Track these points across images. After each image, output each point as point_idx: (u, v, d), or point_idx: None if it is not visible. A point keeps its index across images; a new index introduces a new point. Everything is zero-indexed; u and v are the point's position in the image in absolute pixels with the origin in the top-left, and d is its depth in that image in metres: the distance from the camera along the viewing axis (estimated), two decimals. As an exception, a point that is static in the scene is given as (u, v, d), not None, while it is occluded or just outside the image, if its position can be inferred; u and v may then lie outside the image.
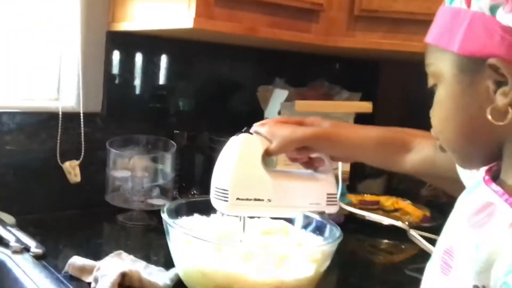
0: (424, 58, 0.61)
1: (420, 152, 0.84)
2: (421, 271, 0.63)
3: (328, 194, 0.87)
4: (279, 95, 1.44)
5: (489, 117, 0.53)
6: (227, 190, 0.81)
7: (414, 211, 1.47)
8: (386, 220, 1.14)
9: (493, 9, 0.51)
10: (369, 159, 0.91)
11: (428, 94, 0.61)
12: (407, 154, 0.85)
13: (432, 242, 1.25)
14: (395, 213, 1.47)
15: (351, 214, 1.45)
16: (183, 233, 0.86)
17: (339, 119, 1.42)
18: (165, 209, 0.91)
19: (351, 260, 1.22)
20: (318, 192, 0.87)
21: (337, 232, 0.91)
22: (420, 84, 0.62)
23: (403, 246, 1.35)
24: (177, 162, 1.35)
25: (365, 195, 1.59)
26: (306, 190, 0.86)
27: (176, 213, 0.97)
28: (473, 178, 0.66)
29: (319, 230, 0.98)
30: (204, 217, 1.01)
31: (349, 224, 1.41)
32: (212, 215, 1.02)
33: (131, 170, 1.28)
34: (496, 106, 0.52)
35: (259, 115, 1.48)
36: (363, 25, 1.33)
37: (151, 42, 1.42)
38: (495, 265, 0.49)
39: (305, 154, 0.87)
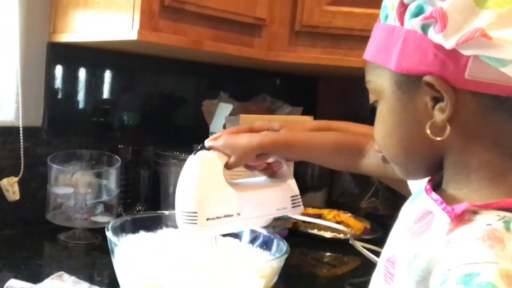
0: (364, 75, 0.62)
1: (374, 156, 0.86)
2: (363, 284, 0.65)
3: (292, 197, 0.89)
4: (224, 109, 1.44)
5: (428, 132, 0.54)
6: (195, 213, 0.80)
7: (355, 224, 1.51)
8: (334, 225, 1.16)
9: (424, 27, 0.52)
10: (326, 163, 0.93)
11: (364, 108, 0.62)
12: (362, 158, 0.87)
13: (373, 252, 1.29)
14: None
15: (295, 228, 1.47)
16: (128, 251, 0.85)
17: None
18: (109, 226, 0.89)
19: (296, 274, 1.23)
20: (283, 196, 0.88)
21: (284, 246, 0.92)
22: (356, 98, 0.64)
23: (345, 259, 1.38)
24: (121, 177, 1.32)
25: (308, 208, 1.61)
26: (271, 197, 0.87)
27: (121, 230, 0.95)
28: (418, 185, 0.67)
29: (266, 245, 0.99)
30: (150, 234, 1.00)
31: (292, 237, 1.43)
32: (158, 231, 1.02)
33: (74, 187, 1.24)
34: (434, 122, 0.54)
35: (204, 129, 1.48)
36: (304, 41, 1.37)
37: (95, 55, 1.39)
38: (433, 274, 0.49)
39: (263, 160, 0.87)
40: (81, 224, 1.24)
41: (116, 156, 1.31)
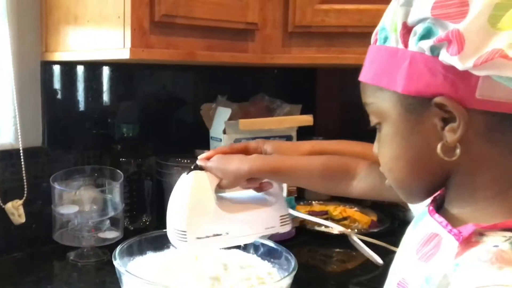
0: (362, 97, 0.61)
1: (366, 178, 0.85)
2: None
3: (281, 216, 0.92)
4: (222, 113, 1.44)
5: (440, 154, 0.54)
6: (185, 231, 0.84)
7: (362, 218, 1.51)
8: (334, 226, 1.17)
9: (434, 49, 0.52)
10: (315, 187, 0.95)
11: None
12: (353, 182, 0.87)
13: (376, 247, 1.30)
14: (344, 221, 1.51)
15: (302, 226, 1.48)
16: (136, 282, 0.85)
17: (282, 133, 1.45)
18: (116, 254, 0.90)
19: (306, 272, 1.23)
20: (272, 216, 0.91)
21: (292, 260, 0.92)
22: (355, 88, 0.63)
23: (354, 253, 1.38)
24: (125, 190, 1.32)
25: (313, 203, 1.61)
26: (260, 217, 0.90)
27: (128, 254, 0.96)
28: (421, 206, 0.67)
29: (272, 256, 1.00)
30: (158, 254, 1.01)
31: (300, 236, 1.44)
32: (165, 251, 1.02)
33: (78, 203, 1.25)
34: (445, 143, 0.53)
35: (204, 133, 1.48)
36: (298, 41, 1.35)
37: (89, 69, 1.39)
38: None
39: (255, 183, 0.91)
40: (89, 243, 1.24)
41: (118, 171, 1.30)
